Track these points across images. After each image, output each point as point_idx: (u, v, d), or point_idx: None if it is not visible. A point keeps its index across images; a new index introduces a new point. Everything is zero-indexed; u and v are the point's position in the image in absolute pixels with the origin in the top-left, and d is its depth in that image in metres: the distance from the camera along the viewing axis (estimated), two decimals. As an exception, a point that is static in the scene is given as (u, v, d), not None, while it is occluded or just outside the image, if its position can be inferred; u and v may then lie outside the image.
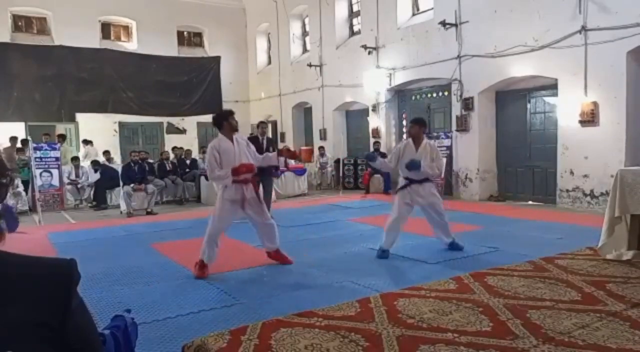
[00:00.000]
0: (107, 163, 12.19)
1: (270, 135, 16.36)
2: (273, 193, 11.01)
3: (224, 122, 4.89)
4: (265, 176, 8.28)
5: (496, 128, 10.22)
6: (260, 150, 8.32)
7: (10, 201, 9.18)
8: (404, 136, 12.63)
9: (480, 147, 10.10)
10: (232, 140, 4.85)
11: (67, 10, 14.86)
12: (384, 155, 11.92)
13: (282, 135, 16.48)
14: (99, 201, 10.96)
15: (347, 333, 2.90)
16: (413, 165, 5.12)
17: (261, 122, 8.87)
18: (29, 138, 11.75)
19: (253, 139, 8.61)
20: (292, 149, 5.82)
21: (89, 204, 11.18)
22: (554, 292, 3.59)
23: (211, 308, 3.88)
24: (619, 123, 7.74)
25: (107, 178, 11.11)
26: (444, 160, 5.36)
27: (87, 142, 13.84)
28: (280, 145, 14.57)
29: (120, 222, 8.79)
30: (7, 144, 11.82)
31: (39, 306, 0.89)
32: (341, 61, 13.56)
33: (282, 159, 5.61)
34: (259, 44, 17.93)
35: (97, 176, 11.25)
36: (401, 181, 5.46)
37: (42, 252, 5.17)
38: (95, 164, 11.72)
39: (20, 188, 10.14)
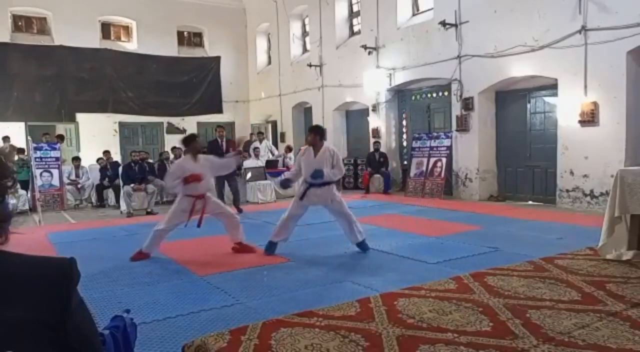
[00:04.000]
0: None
1: (270, 136, 16.58)
2: (273, 193, 11.22)
3: (189, 145, 5.89)
4: (228, 175, 9.00)
5: (496, 128, 10.21)
6: (220, 149, 9.40)
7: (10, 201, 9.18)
8: (403, 136, 12.67)
9: (480, 147, 10.10)
10: (195, 160, 5.78)
11: (67, 10, 14.84)
12: (384, 155, 12.05)
13: (282, 135, 16.46)
14: (101, 199, 10.98)
15: (347, 333, 2.90)
16: (317, 175, 5.47)
17: (218, 127, 10.25)
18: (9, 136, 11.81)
19: (213, 142, 9.92)
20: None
21: (90, 204, 11.18)
22: (554, 292, 3.58)
23: (211, 308, 3.87)
24: (619, 123, 7.74)
25: (112, 176, 11.11)
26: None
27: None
28: (280, 145, 14.62)
29: (120, 222, 8.79)
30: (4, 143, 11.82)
31: (39, 305, 0.89)
32: (341, 61, 13.55)
33: (235, 158, 6.34)
34: (259, 44, 17.91)
35: (98, 174, 11.26)
36: (301, 184, 5.78)
37: (42, 252, 5.14)
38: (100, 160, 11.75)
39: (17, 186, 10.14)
